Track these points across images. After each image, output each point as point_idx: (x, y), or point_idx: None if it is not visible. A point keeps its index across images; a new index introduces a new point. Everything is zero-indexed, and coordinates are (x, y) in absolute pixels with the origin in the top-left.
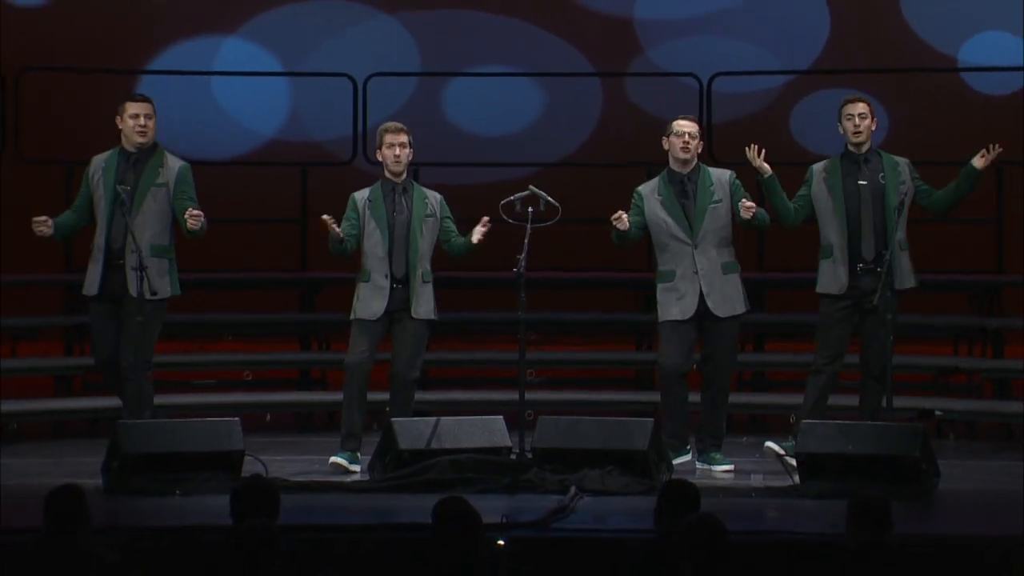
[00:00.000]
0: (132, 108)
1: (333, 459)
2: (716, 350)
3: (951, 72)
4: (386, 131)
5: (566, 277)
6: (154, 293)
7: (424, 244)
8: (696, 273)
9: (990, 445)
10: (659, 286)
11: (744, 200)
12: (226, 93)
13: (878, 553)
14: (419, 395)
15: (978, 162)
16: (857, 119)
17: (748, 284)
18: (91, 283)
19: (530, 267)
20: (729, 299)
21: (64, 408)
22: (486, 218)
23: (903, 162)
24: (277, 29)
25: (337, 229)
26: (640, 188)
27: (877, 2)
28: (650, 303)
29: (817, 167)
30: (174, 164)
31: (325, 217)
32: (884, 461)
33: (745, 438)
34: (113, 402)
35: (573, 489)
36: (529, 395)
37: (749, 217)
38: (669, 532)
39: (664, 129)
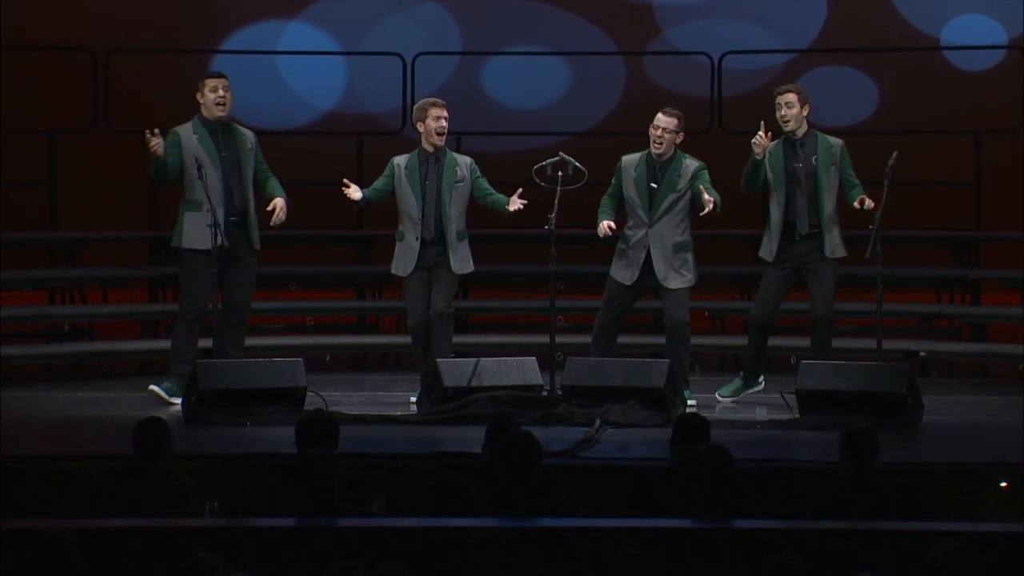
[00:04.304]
0: (211, 83)
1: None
2: (669, 312)
3: (935, 50)
4: (433, 105)
5: (592, 234)
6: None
7: (455, 209)
8: (646, 248)
9: (968, 382)
10: (619, 243)
11: (705, 195)
12: (290, 71)
13: (867, 478)
14: (461, 338)
15: (865, 204)
16: (784, 108)
17: (753, 239)
18: (201, 238)
19: (560, 225)
20: (678, 273)
21: (149, 348)
22: (520, 190)
23: (838, 144)
24: (335, 13)
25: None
26: (624, 159)
27: None
28: None
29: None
30: (248, 132)
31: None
32: (874, 397)
33: None
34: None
35: (598, 422)
36: (559, 339)
37: (709, 210)
38: (683, 460)
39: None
